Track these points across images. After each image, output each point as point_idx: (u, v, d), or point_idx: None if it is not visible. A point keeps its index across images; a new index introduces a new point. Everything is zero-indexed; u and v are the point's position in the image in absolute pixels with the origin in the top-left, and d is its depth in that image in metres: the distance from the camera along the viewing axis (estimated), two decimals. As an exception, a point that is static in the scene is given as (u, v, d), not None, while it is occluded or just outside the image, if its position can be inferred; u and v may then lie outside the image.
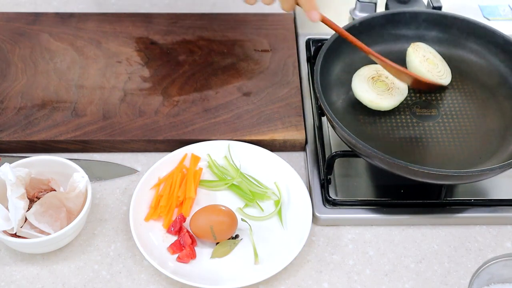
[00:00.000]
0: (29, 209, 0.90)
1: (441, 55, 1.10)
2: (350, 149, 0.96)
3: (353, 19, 1.23)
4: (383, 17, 1.10)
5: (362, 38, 1.09)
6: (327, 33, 1.11)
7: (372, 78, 1.02)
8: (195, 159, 1.02)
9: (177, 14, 1.25)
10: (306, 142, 1.06)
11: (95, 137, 1.04)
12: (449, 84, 1.08)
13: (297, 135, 1.05)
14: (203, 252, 0.93)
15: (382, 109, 1.02)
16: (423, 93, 1.06)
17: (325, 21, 1.00)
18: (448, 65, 1.09)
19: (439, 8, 1.19)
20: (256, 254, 0.92)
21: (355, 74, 1.03)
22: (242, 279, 0.89)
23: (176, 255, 0.92)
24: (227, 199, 0.99)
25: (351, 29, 1.07)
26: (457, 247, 0.95)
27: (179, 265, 0.91)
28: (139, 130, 1.05)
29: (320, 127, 1.06)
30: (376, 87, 1.01)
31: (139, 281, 0.90)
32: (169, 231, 0.94)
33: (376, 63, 1.03)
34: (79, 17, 1.23)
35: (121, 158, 1.05)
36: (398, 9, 1.19)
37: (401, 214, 0.97)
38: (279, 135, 1.05)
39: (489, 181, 1.00)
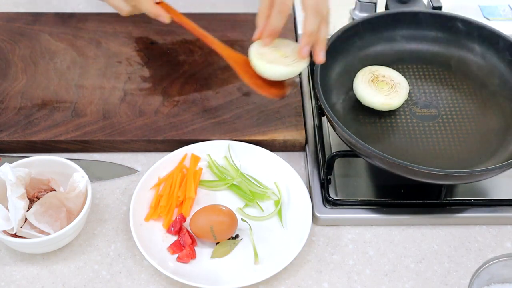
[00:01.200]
0: (29, 209, 0.90)
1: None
2: (350, 149, 0.96)
3: (353, 19, 1.23)
4: (383, 17, 1.10)
5: (362, 38, 1.09)
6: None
7: (372, 81, 1.02)
8: (195, 159, 1.02)
9: (177, 14, 1.25)
10: (306, 142, 1.06)
11: (95, 137, 1.04)
12: (449, 84, 1.08)
13: (297, 135, 1.05)
14: (203, 252, 0.93)
15: (394, 108, 1.01)
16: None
17: (175, 18, 1.00)
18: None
19: (439, 8, 1.19)
20: (256, 254, 0.92)
21: (355, 82, 1.03)
22: (242, 279, 0.89)
23: (176, 255, 0.92)
24: (227, 199, 0.99)
25: (351, 29, 1.07)
26: (457, 247, 0.95)
27: (179, 265, 0.91)
28: (139, 130, 1.05)
29: (320, 127, 1.06)
30: (380, 88, 1.01)
31: (139, 281, 0.91)
32: (169, 231, 0.94)
33: (367, 65, 1.04)
34: (79, 17, 1.23)
35: (121, 158, 1.05)
36: (398, 9, 1.19)
37: (401, 214, 0.97)
38: (279, 135, 1.05)
39: (489, 181, 1.00)
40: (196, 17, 1.24)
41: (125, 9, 0.97)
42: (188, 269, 0.90)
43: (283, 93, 0.99)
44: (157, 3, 0.98)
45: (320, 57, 0.94)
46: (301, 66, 0.96)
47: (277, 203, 0.97)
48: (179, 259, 0.91)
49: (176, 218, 0.95)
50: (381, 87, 1.02)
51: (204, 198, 0.99)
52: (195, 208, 0.96)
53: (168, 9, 1.00)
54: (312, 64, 1.15)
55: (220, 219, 0.92)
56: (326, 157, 0.98)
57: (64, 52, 1.17)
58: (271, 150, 1.03)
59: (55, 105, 1.08)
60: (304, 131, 1.06)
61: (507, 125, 1.01)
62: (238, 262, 0.92)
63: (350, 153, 0.97)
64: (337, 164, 1.00)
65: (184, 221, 0.95)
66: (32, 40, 1.19)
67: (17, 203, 0.88)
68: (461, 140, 1.00)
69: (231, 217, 0.93)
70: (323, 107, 0.95)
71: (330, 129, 1.05)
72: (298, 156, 1.06)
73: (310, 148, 1.05)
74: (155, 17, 0.98)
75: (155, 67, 1.15)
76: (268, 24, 0.92)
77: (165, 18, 0.98)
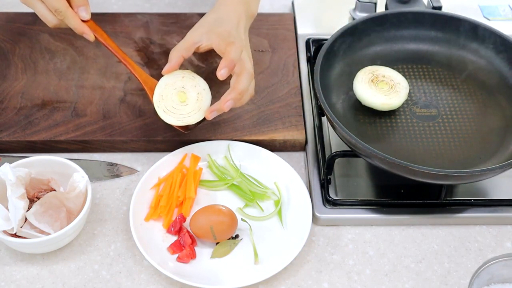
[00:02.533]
0: (29, 209, 0.90)
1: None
2: (350, 149, 0.96)
3: (353, 19, 1.23)
4: (383, 17, 1.10)
5: (362, 38, 1.09)
6: (327, 33, 1.11)
7: (372, 81, 1.02)
8: (195, 159, 1.02)
9: (177, 14, 1.25)
10: (306, 142, 1.06)
11: (95, 137, 1.04)
12: (449, 84, 1.08)
13: (297, 135, 1.05)
14: (203, 252, 0.93)
15: (394, 108, 1.02)
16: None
17: (99, 37, 1.03)
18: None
19: (439, 8, 1.19)
20: (256, 254, 0.92)
21: (355, 82, 1.03)
22: (242, 279, 0.89)
23: (176, 255, 0.92)
24: (227, 199, 0.99)
25: (351, 29, 1.07)
26: (457, 247, 0.95)
27: (179, 265, 0.91)
28: (139, 130, 1.05)
29: (320, 127, 1.06)
30: (379, 88, 1.01)
31: (139, 281, 0.91)
32: (169, 231, 0.94)
33: (367, 65, 1.04)
34: (79, 17, 1.23)
35: (121, 158, 1.05)
36: (398, 9, 1.19)
37: (401, 214, 0.97)
38: (279, 135, 1.05)
39: (489, 181, 1.00)
40: (196, 17, 1.24)
41: (52, 22, 1.00)
42: (188, 269, 0.90)
43: (186, 128, 1.00)
44: (84, 21, 1.01)
45: (210, 116, 0.97)
46: (194, 119, 0.97)
47: (277, 203, 0.97)
48: (179, 259, 0.91)
49: (176, 218, 0.95)
50: (381, 87, 1.02)
51: (204, 198, 0.99)
52: (195, 208, 0.96)
53: (95, 28, 1.02)
54: (312, 64, 1.15)
55: (220, 219, 0.92)
56: (326, 157, 0.98)
57: (64, 52, 1.17)
58: (271, 150, 1.03)
59: (55, 105, 1.08)
60: (304, 131, 1.06)
61: (507, 125, 1.01)
62: (238, 262, 0.92)
63: (350, 153, 0.97)
64: (337, 164, 1.00)
65: (184, 221, 0.95)
66: (32, 40, 1.19)
67: (17, 203, 0.88)
68: (461, 140, 1.00)
69: (231, 217, 0.93)
70: (323, 107, 0.95)
71: (330, 129, 1.06)
72: (298, 156, 1.06)
73: (310, 148, 1.05)
74: (80, 34, 1.01)
75: (155, 67, 1.15)
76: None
77: (89, 36, 1.02)
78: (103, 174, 1.02)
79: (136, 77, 1.02)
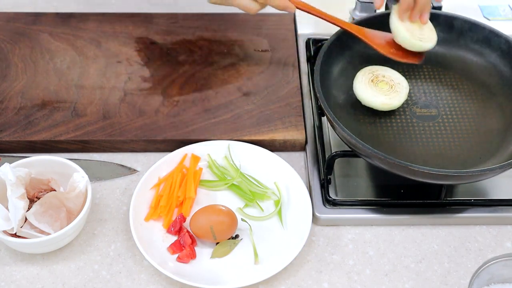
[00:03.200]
0: (29, 209, 0.90)
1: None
2: (350, 149, 0.96)
3: (353, 19, 1.23)
4: (383, 17, 1.10)
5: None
6: (327, 33, 1.11)
7: (372, 81, 1.02)
8: (195, 159, 1.02)
9: (177, 14, 1.25)
10: (306, 142, 1.06)
11: (95, 137, 1.04)
12: (449, 84, 1.08)
13: (297, 135, 1.05)
14: (203, 252, 0.93)
15: (394, 108, 1.02)
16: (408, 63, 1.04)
17: (299, 6, 1.03)
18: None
19: (439, 8, 1.19)
20: (256, 254, 0.92)
21: (355, 82, 1.03)
22: (242, 279, 0.89)
23: (176, 255, 0.92)
24: (227, 199, 0.99)
25: (351, 29, 1.07)
26: (457, 247, 0.95)
27: (179, 265, 0.91)
28: (139, 130, 1.05)
29: (320, 127, 1.06)
30: (380, 88, 1.01)
31: (139, 281, 0.91)
32: (169, 231, 0.94)
33: (367, 65, 1.05)
34: (79, 17, 1.23)
35: (121, 158, 1.05)
36: (398, 9, 1.19)
37: (401, 214, 0.97)
38: (279, 135, 1.05)
39: (489, 181, 1.00)
40: (196, 17, 1.24)
41: (255, 8, 1.03)
42: (188, 269, 0.90)
43: (420, 58, 1.03)
44: None
45: (424, 19, 1.01)
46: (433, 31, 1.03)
47: (277, 203, 0.97)
48: (179, 259, 0.91)
49: (176, 218, 0.95)
50: (381, 87, 1.02)
51: (204, 198, 0.99)
52: (195, 208, 0.96)
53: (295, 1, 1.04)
54: (312, 64, 1.15)
55: (220, 219, 0.92)
56: (326, 157, 0.98)
57: (64, 52, 1.17)
58: (271, 150, 1.03)
59: (55, 105, 1.08)
60: (304, 131, 1.06)
61: (507, 125, 1.01)
62: (238, 262, 0.92)
63: (350, 153, 0.97)
64: (337, 164, 1.00)
65: (184, 221, 0.95)
66: (32, 40, 1.19)
67: (17, 203, 0.88)
68: (461, 140, 1.00)
69: (231, 217, 0.93)
70: (323, 107, 0.95)
71: (330, 129, 1.06)
72: (298, 156, 1.06)
73: (310, 148, 1.05)
74: (283, 9, 1.03)
75: (155, 67, 1.15)
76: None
77: (292, 9, 1.03)
78: (103, 174, 1.02)
79: (355, 34, 1.04)
